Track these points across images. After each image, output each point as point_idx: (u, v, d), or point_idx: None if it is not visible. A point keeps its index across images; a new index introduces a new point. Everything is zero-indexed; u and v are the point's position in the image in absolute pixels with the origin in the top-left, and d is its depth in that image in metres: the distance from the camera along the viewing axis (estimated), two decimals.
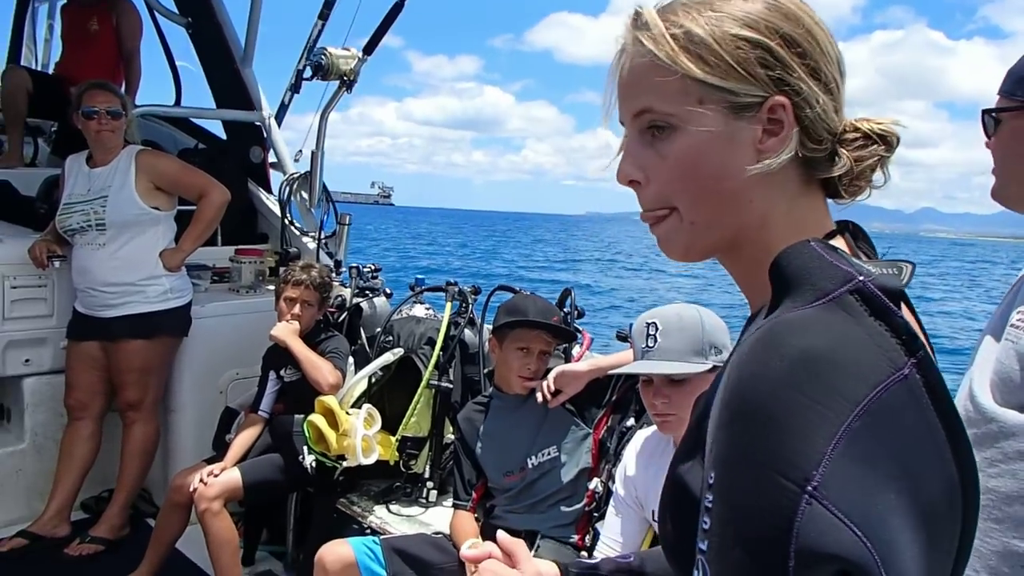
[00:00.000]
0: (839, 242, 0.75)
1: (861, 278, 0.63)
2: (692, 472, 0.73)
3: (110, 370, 3.32)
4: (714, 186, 0.73)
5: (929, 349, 0.66)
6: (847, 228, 0.77)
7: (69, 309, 3.38)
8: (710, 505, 0.62)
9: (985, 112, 1.38)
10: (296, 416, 2.96)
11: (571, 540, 2.32)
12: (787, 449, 0.58)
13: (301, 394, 3.03)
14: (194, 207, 3.44)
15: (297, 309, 3.11)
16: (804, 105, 0.71)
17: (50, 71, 5.08)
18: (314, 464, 2.86)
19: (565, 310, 2.79)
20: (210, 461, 2.98)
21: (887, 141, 0.75)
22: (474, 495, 2.49)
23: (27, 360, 3.42)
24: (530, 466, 2.39)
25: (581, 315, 2.88)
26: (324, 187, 4.20)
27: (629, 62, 0.75)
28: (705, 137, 0.72)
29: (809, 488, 0.56)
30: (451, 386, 2.94)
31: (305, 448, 2.86)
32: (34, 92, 4.30)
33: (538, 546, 2.28)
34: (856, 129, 0.74)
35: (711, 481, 0.63)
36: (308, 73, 3.99)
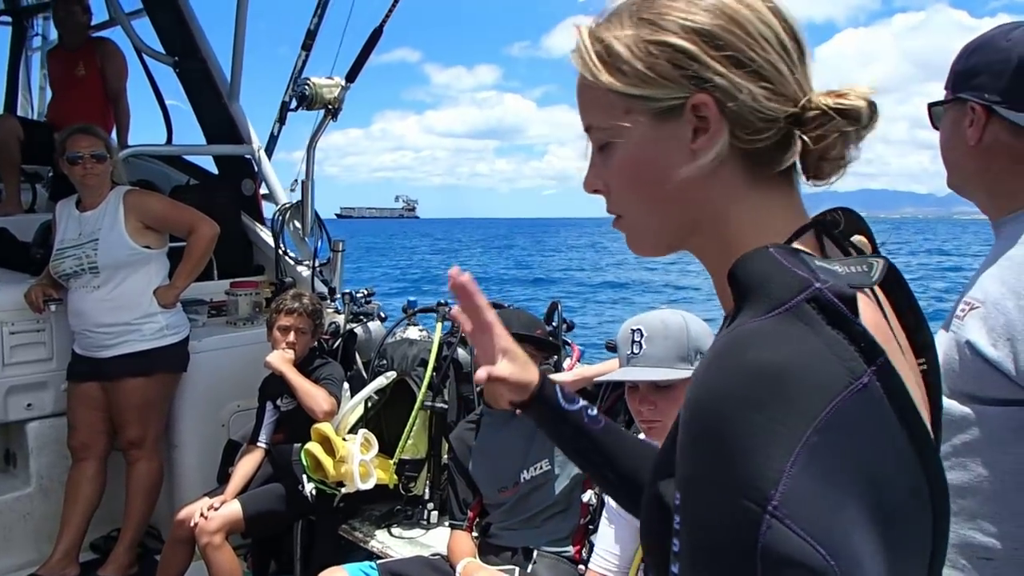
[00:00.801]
0: (806, 241, 0.72)
1: (817, 285, 0.62)
2: (668, 487, 0.72)
3: (111, 409, 3.34)
4: (656, 191, 0.74)
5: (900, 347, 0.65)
6: (824, 221, 0.74)
7: (68, 352, 3.41)
8: (678, 527, 0.62)
9: (929, 106, 1.40)
10: (295, 445, 2.98)
11: (567, 554, 2.31)
12: (746, 470, 0.57)
13: (299, 423, 3.04)
14: (185, 243, 3.48)
15: (292, 337, 3.14)
16: (726, 98, 0.69)
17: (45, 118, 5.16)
18: (314, 492, 2.87)
19: (553, 324, 2.79)
20: (213, 494, 3.00)
21: (849, 115, 0.70)
22: (470, 514, 2.49)
23: (29, 404, 3.45)
24: (523, 480, 2.39)
25: (571, 328, 2.89)
26: (316, 215, 4.23)
27: (577, 79, 0.77)
28: (638, 145, 0.73)
29: (770, 508, 0.55)
30: (446, 406, 2.95)
31: (305, 476, 2.87)
32: (26, 139, 4.36)
33: (535, 562, 2.28)
34: (815, 107, 0.71)
35: (677, 502, 0.62)
36: (294, 104, 4.04)
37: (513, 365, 1.06)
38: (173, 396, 3.48)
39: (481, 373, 1.06)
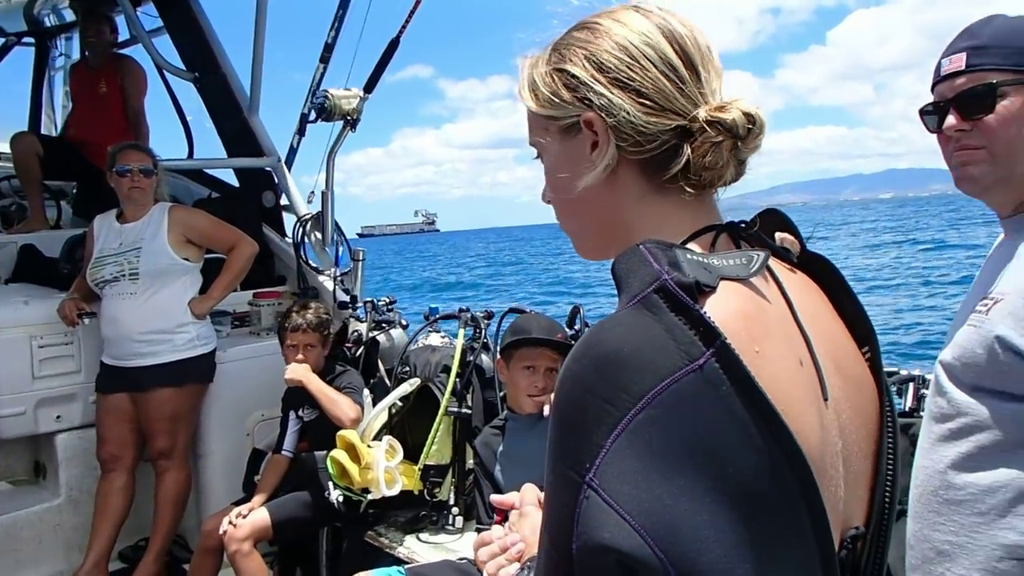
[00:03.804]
0: (701, 242, 0.78)
1: (664, 277, 0.67)
2: None
3: (140, 420, 3.38)
4: (566, 198, 0.85)
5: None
6: (725, 224, 0.81)
7: (96, 364, 3.46)
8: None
9: (983, 86, 1.28)
10: (319, 453, 3.01)
11: None
12: (573, 444, 0.64)
13: (322, 431, 3.07)
14: (216, 256, 3.54)
15: (300, 355, 3.18)
16: (608, 115, 0.77)
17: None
18: (340, 499, 2.89)
19: (576, 327, 2.80)
20: (240, 503, 3.03)
21: (719, 126, 0.75)
22: (496, 518, 2.49)
23: (58, 416, 3.50)
24: None
25: None
26: (336, 225, 4.27)
27: None
28: (553, 158, 0.85)
29: (587, 478, 0.62)
30: (470, 412, 2.96)
31: (331, 483, 2.89)
32: (45, 155, 4.43)
33: None
34: (698, 120, 0.76)
35: None
36: (312, 116, 4.08)
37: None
38: (201, 406, 3.52)
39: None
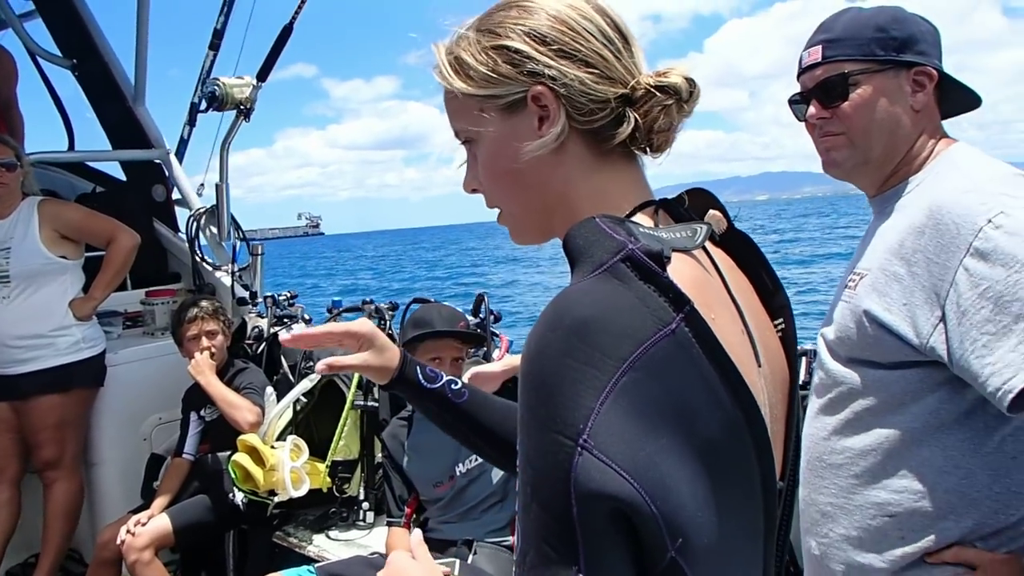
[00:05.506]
0: (644, 215, 0.80)
1: (631, 246, 0.69)
2: None
3: (24, 430, 3.19)
4: (510, 177, 0.83)
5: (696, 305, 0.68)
6: (665, 199, 0.83)
7: None
8: (519, 470, 0.69)
9: (837, 76, 1.36)
10: (222, 454, 2.91)
11: (507, 543, 2.33)
12: (562, 410, 0.64)
13: (225, 431, 2.96)
14: (100, 253, 3.35)
15: (205, 342, 3.06)
16: (558, 86, 0.78)
17: None
18: (245, 501, 2.81)
19: (480, 315, 2.80)
20: (138, 511, 2.90)
21: (668, 91, 0.79)
22: (407, 510, 2.48)
23: None
24: (458, 473, 2.40)
25: (498, 319, 2.91)
26: (233, 219, 4.12)
27: (443, 92, 0.85)
28: (492, 139, 0.82)
29: (580, 440, 0.63)
30: (377, 405, 2.93)
31: (235, 487, 2.80)
32: None
33: (475, 553, 2.29)
34: (641, 87, 0.79)
35: (518, 448, 0.68)
36: (203, 105, 3.92)
37: (367, 354, 1.18)
38: (90, 412, 3.34)
39: (320, 365, 1.20)
